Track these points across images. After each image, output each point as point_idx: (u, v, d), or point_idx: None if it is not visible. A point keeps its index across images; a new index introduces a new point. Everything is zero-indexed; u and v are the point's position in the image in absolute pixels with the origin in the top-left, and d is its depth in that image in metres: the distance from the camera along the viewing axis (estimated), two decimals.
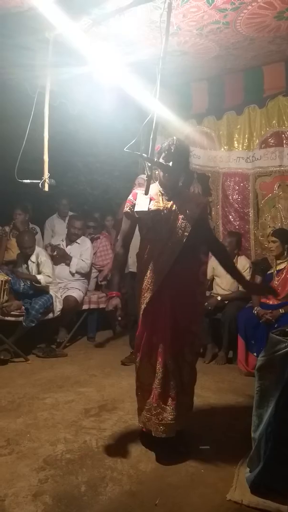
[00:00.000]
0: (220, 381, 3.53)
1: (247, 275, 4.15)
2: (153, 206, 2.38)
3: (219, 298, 4.13)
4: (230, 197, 4.59)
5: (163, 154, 2.41)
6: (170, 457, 2.33)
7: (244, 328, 3.75)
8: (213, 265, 4.36)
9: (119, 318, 2.41)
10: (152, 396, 2.37)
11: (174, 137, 2.45)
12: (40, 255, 4.17)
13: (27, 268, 4.17)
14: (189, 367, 2.43)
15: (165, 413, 2.32)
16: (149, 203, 2.39)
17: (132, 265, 3.53)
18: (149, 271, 2.37)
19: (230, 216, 4.61)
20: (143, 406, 2.45)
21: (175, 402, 2.32)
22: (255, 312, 3.73)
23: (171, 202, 2.40)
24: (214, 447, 2.48)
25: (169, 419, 2.30)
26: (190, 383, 2.47)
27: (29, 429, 2.64)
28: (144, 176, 3.55)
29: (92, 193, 5.65)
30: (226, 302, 4.14)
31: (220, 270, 4.28)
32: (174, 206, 2.38)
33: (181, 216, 2.36)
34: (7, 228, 4.55)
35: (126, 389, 3.31)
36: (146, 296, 2.36)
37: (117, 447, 2.47)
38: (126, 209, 2.48)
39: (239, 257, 4.26)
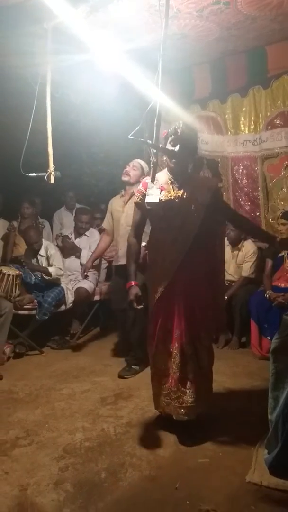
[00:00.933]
0: (234, 366, 3.54)
1: (251, 260, 4.13)
2: (164, 197, 2.37)
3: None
4: (240, 182, 4.54)
5: (170, 139, 2.39)
6: (192, 438, 2.37)
7: (257, 312, 3.74)
8: None
9: (139, 307, 2.43)
10: (170, 380, 2.40)
11: (181, 121, 2.43)
12: (49, 249, 4.19)
13: (37, 262, 4.19)
14: (207, 350, 2.46)
15: (185, 396, 2.35)
16: (160, 193, 2.37)
17: (121, 258, 3.41)
18: (162, 260, 2.38)
19: (241, 201, 4.57)
20: (160, 391, 2.47)
21: (194, 385, 2.35)
22: (267, 295, 3.72)
23: (182, 190, 2.39)
24: (231, 430, 2.50)
25: (190, 401, 2.34)
26: (209, 366, 2.49)
27: (48, 419, 2.68)
28: (139, 160, 3.55)
29: (97, 184, 5.62)
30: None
31: (226, 256, 4.26)
32: (185, 194, 2.37)
33: (193, 204, 2.35)
34: (15, 223, 4.55)
35: (141, 377, 3.34)
36: (161, 284, 2.36)
37: (135, 433, 2.50)
38: (137, 199, 2.48)
39: (245, 241, 4.24)
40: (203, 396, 2.42)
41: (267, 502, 1.90)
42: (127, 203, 3.53)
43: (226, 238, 4.22)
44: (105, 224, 3.89)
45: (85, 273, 4.25)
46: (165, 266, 2.36)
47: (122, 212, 3.54)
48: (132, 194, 3.40)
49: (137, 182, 3.43)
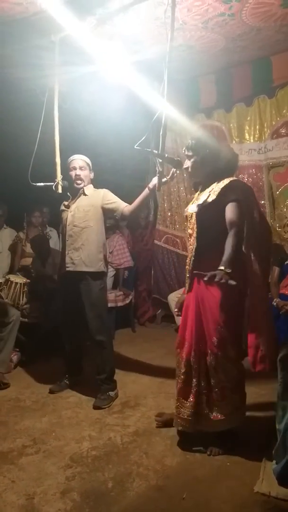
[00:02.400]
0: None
1: None
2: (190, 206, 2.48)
3: None
4: None
5: (186, 151, 2.44)
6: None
7: None
8: None
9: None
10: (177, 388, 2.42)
11: (195, 136, 2.54)
12: (55, 257, 4.21)
13: (44, 269, 4.21)
14: (223, 366, 2.30)
15: (182, 408, 2.35)
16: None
17: (69, 263, 3.08)
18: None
19: None
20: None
21: (194, 400, 2.32)
22: (275, 303, 3.70)
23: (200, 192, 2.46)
24: (239, 440, 2.48)
25: (186, 415, 2.34)
26: (227, 383, 2.33)
27: (54, 427, 2.68)
28: (81, 156, 3.19)
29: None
30: None
31: None
32: (201, 194, 2.43)
33: (201, 202, 2.34)
34: (21, 234, 4.59)
35: (148, 385, 3.33)
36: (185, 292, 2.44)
37: (142, 442, 2.49)
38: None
39: None
40: (206, 413, 2.32)
41: None
42: (75, 201, 3.18)
43: None
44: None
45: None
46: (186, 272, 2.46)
47: (68, 211, 3.17)
48: (82, 193, 3.17)
49: (88, 182, 3.21)
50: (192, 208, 2.40)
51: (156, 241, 5.39)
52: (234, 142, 4.58)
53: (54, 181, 3.06)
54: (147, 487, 2.08)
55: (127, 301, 4.84)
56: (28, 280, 3.91)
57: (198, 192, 2.49)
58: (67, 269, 3.10)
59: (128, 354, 4.13)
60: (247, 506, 1.92)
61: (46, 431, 2.64)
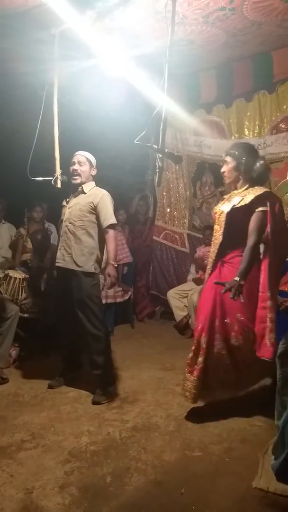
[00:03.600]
0: None
1: None
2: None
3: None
4: None
5: (224, 156, 2.77)
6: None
7: None
8: None
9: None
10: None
11: (232, 145, 2.81)
12: (54, 252, 4.20)
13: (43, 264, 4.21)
14: (229, 349, 2.60)
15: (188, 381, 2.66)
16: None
17: (60, 258, 3.10)
18: None
19: None
20: None
21: (197, 375, 2.59)
22: None
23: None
24: (238, 436, 2.49)
25: (189, 387, 2.63)
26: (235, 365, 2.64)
27: (53, 422, 2.68)
28: (83, 153, 3.17)
29: (103, 188, 5.64)
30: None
31: None
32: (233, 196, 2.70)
33: (231, 205, 2.62)
34: (22, 230, 4.58)
35: (147, 381, 3.33)
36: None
37: (140, 438, 2.49)
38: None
39: None
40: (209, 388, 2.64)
41: (273, 508, 1.89)
42: (75, 198, 3.16)
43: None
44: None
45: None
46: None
47: (67, 207, 3.16)
48: (81, 190, 3.14)
49: (88, 178, 3.16)
50: (224, 207, 2.69)
51: (155, 237, 5.39)
52: (233, 137, 4.56)
53: (53, 176, 3.05)
54: (145, 482, 2.08)
55: (126, 297, 4.84)
56: (27, 276, 3.90)
57: (230, 194, 2.79)
58: (57, 264, 3.11)
59: (126, 350, 4.13)
60: (245, 502, 1.92)
61: (45, 426, 2.64)
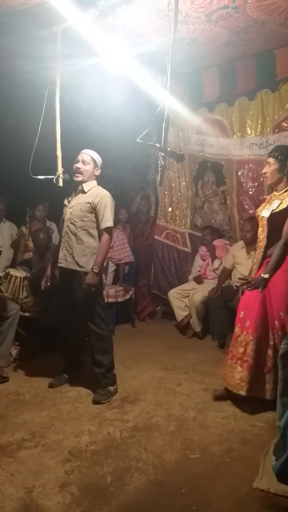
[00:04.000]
0: None
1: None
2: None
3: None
4: (245, 185, 4.53)
5: (267, 158, 2.88)
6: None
7: None
8: (234, 253, 4.32)
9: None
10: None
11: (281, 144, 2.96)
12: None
13: (44, 264, 4.19)
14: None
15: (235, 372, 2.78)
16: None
17: (62, 259, 3.10)
18: None
19: (245, 204, 4.55)
20: None
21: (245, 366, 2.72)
22: None
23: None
24: (239, 436, 2.48)
25: (237, 378, 2.75)
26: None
27: (54, 422, 2.67)
28: (88, 151, 3.14)
29: (104, 187, 5.64)
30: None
31: (241, 257, 4.24)
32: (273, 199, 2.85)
33: (271, 210, 2.76)
34: (24, 229, 4.58)
35: (148, 381, 3.33)
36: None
37: (141, 437, 2.48)
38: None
39: None
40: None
41: (274, 509, 1.88)
42: (75, 197, 3.16)
43: (243, 240, 4.23)
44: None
45: (45, 284, 3.42)
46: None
47: (68, 207, 3.14)
48: (81, 189, 3.12)
49: (90, 178, 3.13)
50: (264, 213, 2.84)
51: (156, 236, 5.37)
52: (235, 136, 4.54)
53: (55, 174, 3.04)
54: (146, 482, 2.08)
55: (127, 297, 4.83)
56: (28, 274, 3.89)
57: (271, 195, 2.94)
58: (59, 264, 3.11)
59: (127, 350, 4.13)
60: (246, 503, 1.92)
61: (45, 425, 2.64)
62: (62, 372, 3.30)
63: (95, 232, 3.06)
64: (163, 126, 2.50)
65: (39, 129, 3.09)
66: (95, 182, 3.17)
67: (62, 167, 3.08)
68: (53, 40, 3.04)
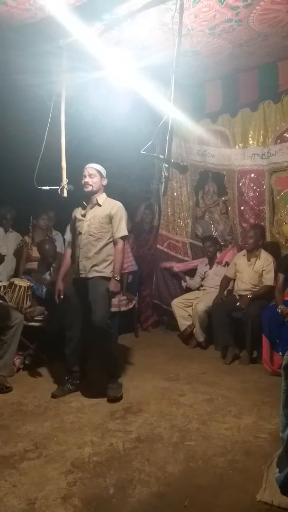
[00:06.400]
0: (245, 381, 3.49)
1: (272, 269, 4.07)
2: None
3: (249, 296, 4.06)
4: (246, 195, 4.56)
5: None
6: None
7: (269, 327, 3.70)
8: (236, 261, 4.33)
9: None
10: None
11: None
12: (61, 262, 4.21)
13: (50, 274, 4.21)
14: None
15: None
16: None
17: (83, 270, 3.23)
18: None
19: (246, 214, 4.58)
20: None
21: None
22: (279, 310, 3.68)
23: None
24: (242, 447, 2.46)
25: None
26: None
27: (56, 432, 2.67)
28: (93, 165, 3.28)
29: (109, 197, 5.68)
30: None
31: (242, 264, 4.24)
32: None
33: None
34: (27, 238, 4.60)
35: (151, 391, 3.31)
36: None
37: (144, 449, 2.47)
38: None
39: (262, 250, 4.20)
40: None
41: None
42: (90, 210, 3.30)
43: (244, 247, 4.24)
44: (68, 236, 3.76)
45: (57, 297, 3.44)
46: None
47: (84, 221, 3.28)
48: (96, 202, 3.28)
49: (100, 189, 3.30)
50: None
51: (159, 246, 5.38)
52: (237, 147, 4.58)
53: (59, 185, 3.07)
54: (148, 494, 2.06)
55: (131, 306, 4.82)
56: (32, 284, 3.91)
57: None
58: (81, 275, 3.25)
59: (131, 360, 4.12)
60: None
61: (48, 435, 2.63)
62: (65, 382, 3.31)
63: (110, 241, 3.27)
64: (167, 137, 2.53)
65: (45, 140, 3.13)
66: (105, 194, 3.34)
67: (67, 178, 3.12)
68: (59, 54, 3.10)
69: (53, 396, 3.20)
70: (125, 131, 4.57)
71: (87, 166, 3.28)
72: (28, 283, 3.86)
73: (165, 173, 2.63)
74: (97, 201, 3.27)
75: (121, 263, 3.26)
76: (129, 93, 3.94)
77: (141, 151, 2.51)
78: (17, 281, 3.84)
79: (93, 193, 3.27)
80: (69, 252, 3.47)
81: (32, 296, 3.93)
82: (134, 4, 2.84)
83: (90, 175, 3.25)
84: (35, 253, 4.52)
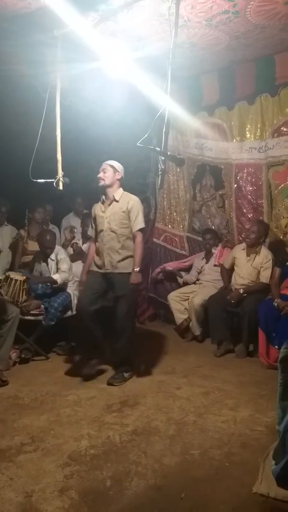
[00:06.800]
0: (241, 375, 3.51)
1: (270, 266, 4.07)
2: None
3: (241, 291, 4.06)
4: (244, 189, 4.54)
5: None
6: None
7: (265, 320, 3.70)
8: (235, 254, 4.33)
9: None
10: None
11: None
12: (59, 253, 4.20)
13: (47, 265, 4.20)
14: None
15: None
16: None
17: (108, 265, 3.40)
18: None
19: (244, 208, 4.56)
20: None
21: None
22: (276, 304, 3.69)
23: None
24: (238, 440, 2.47)
25: None
26: None
27: (53, 426, 2.67)
28: (107, 162, 3.45)
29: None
30: (245, 294, 4.07)
31: (241, 259, 4.24)
32: None
33: None
34: (22, 232, 4.57)
35: (148, 385, 3.32)
36: None
37: (140, 441, 2.48)
38: None
39: (262, 246, 4.19)
40: None
41: None
42: (109, 207, 3.43)
43: (245, 241, 4.22)
44: (91, 232, 3.82)
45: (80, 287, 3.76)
46: None
47: (105, 217, 3.42)
48: (113, 199, 3.41)
49: (113, 182, 3.41)
50: None
51: (155, 239, 5.37)
52: (234, 140, 4.56)
53: (55, 178, 3.05)
54: (145, 486, 2.07)
55: None
56: (28, 277, 3.89)
57: None
58: (106, 270, 3.41)
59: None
60: (245, 507, 1.91)
61: (45, 429, 2.63)
62: (92, 360, 3.54)
63: (131, 235, 3.43)
64: (164, 130, 2.51)
65: (40, 132, 3.10)
66: (122, 189, 3.47)
67: (62, 171, 3.09)
68: (54, 45, 3.05)
69: (84, 375, 3.40)
70: (121, 123, 4.53)
71: (103, 163, 3.45)
72: (24, 277, 3.85)
73: (162, 166, 2.61)
74: (114, 197, 3.40)
75: (140, 255, 3.36)
76: (125, 84, 3.90)
77: (138, 144, 2.49)
78: (12, 275, 3.83)
79: (107, 186, 3.39)
80: (93, 246, 3.60)
81: (28, 289, 3.91)
82: None
83: (103, 170, 3.40)
84: (31, 246, 4.51)
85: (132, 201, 3.41)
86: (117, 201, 3.39)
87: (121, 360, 3.45)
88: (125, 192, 3.46)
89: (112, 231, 3.38)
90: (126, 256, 3.39)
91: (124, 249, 3.39)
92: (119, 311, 3.35)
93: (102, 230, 3.42)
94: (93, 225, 3.61)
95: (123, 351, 3.44)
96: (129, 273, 3.34)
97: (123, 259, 3.38)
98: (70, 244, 4.69)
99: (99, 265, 3.46)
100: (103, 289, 3.45)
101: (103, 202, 3.47)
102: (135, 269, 3.31)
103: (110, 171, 3.39)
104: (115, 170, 3.42)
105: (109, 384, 3.28)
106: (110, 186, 3.39)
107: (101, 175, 3.39)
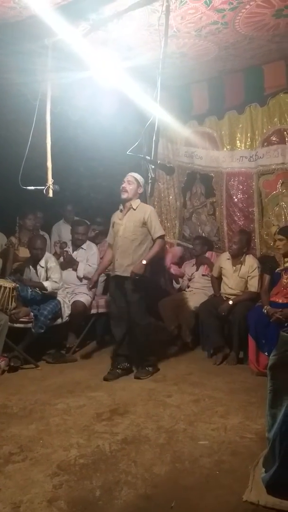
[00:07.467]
0: (231, 382, 3.51)
1: (256, 274, 4.11)
2: None
3: (230, 302, 4.08)
4: (234, 197, 4.58)
5: None
6: None
7: (255, 327, 3.72)
8: (221, 264, 4.36)
9: None
10: None
11: None
12: (49, 261, 4.18)
13: (36, 272, 4.18)
14: None
15: None
16: None
17: (118, 268, 3.64)
18: None
19: (235, 216, 4.60)
20: None
21: None
22: (265, 311, 3.71)
23: None
24: (228, 448, 2.47)
25: None
26: None
27: (42, 435, 2.64)
28: (133, 174, 3.68)
29: (96, 197, 5.64)
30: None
31: (227, 269, 4.27)
32: None
33: None
34: (13, 239, 4.55)
35: (137, 393, 3.31)
36: None
37: (130, 450, 2.46)
38: None
39: (247, 256, 4.23)
40: None
41: None
42: (126, 215, 3.67)
43: (228, 251, 4.26)
44: (109, 239, 3.94)
45: (91, 287, 4.24)
46: None
47: (121, 224, 3.66)
48: (130, 207, 3.63)
49: (135, 195, 3.65)
50: None
51: None
52: (225, 149, 4.61)
53: (45, 185, 3.05)
54: (135, 495, 2.05)
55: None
56: (17, 285, 3.86)
57: None
58: (116, 273, 3.65)
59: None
60: None
61: (34, 438, 2.60)
62: (114, 366, 3.72)
63: (144, 241, 3.63)
64: (154, 138, 2.53)
65: (30, 140, 3.10)
66: (139, 200, 3.70)
67: (52, 178, 3.09)
68: (44, 53, 3.07)
69: (105, 379, 3.54)
70: (112, 131, 4.56)
71: (128, 174, 3.68)
72: (13, 284, 3.82)
73: (152, 174, 2.63)
74: (131, 205, 3.63)
75: (154, 252, 3.59)
76: (116, 93, 3.92)
77: (127, 152, 2.51)
78: (1, 282, 3.79)
79: (128, 200, 3.62)
80: (109, 252, 3.85)
81: (17, 297, 3.88)
82: (120, 5, 2.83)
83: (128, 181, 3.62)
84: (22, 253, 4.48)
85: (149, 211, 3.63)
86: (134, 209, 3.62)
87: (142, 357, 3.72)
88: (142, 203, 3.71)
89: (125, 237, 3.60)
90: (137, 261, 3.55)
91: (135, 254, 3.57)
92: (132, 311, 3.59)
93: (117, 236, 3.67)
94: (111, 231, 3.84)
95: (143, 348, 3.71)
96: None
97: (133, 263, 3.54)
98: (60, 253, 4.69)
99: (113, 269, 3.71)
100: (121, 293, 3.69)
101: (121, 211, 3.71)
102: (142, 261, 3.50)
103: (134, 185, 3.62)
104: (138, 184, 3.66)
105: (136, 378, 3.59)
106: (131, 199, 3.62)
107: (125, 185, 3.61)
